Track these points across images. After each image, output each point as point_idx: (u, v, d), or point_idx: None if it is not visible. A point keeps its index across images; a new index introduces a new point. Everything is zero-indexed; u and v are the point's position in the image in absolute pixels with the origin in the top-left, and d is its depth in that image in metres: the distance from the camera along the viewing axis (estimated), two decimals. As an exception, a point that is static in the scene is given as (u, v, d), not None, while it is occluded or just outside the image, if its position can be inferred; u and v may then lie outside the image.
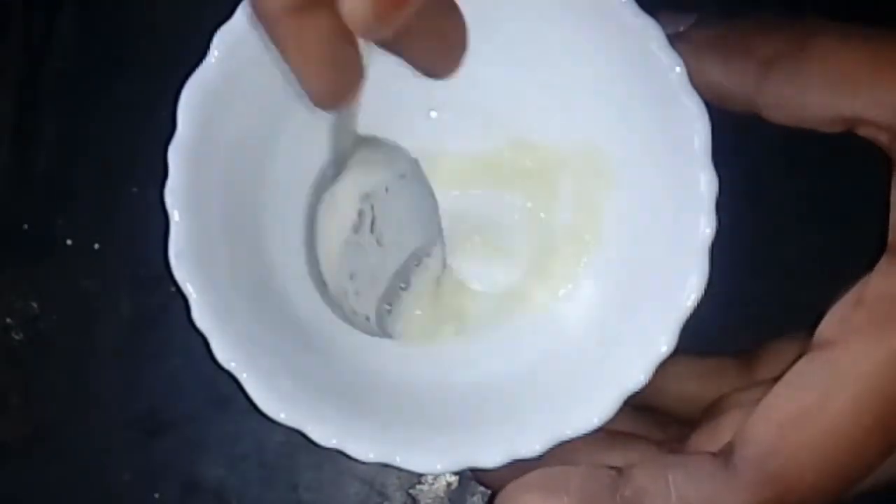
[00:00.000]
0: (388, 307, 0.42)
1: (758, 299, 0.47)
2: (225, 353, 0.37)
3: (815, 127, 0.37)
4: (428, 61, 0.34)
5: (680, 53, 0.37)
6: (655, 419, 0.41)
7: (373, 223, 0.40)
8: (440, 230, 0.42)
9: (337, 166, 0.39)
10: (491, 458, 0.37)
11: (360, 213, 0.40)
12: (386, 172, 0.40)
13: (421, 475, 0.48)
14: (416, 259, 0.42)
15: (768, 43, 0.37)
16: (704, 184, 0.37)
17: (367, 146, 0.39)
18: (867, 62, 0.36)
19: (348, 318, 0.41)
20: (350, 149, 0.39)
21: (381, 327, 0.41)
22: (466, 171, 0.43)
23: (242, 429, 0.48)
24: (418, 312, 0.42)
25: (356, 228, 0.40)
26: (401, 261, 0.41)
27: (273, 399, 0.38)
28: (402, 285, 0.42)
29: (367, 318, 0.41)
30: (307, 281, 0.41)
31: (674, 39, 0.37)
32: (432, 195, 0.42)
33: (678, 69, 0.37)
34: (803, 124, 0.37)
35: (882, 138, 0.36)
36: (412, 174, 0.41)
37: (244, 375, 0.38)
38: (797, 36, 0.37)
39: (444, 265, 0.42)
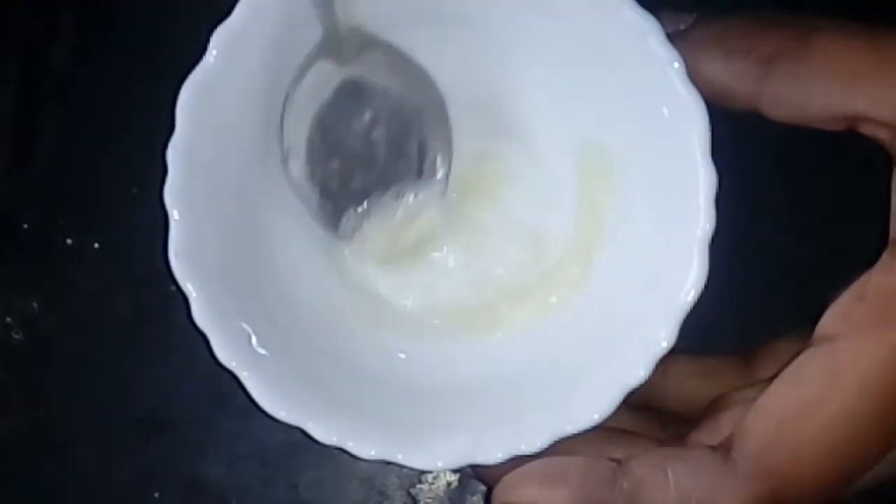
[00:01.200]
0: (356, 207, 0.42)
1: (757, 299, 0.47)
2: (225, 353, 0.37)
3: (816, 125, 0.37)
4: None
5: (680, 51, 0.37)
6: (655, 418, 0.41)
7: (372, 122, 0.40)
8: (448, 137, 0.42)
9: (330, 49, 0.39)
10: (492, 454, 0.37)
11: (357, 107, 0.40)
12: (392, 77, 0.41)
13: (421, 474, 0.48)
14: (414, 168, 0.42)
15: (769, 40, 0.37)
16: (703, 179, 0.37)
17: (368, 42, 0.40)
18: (869, 59, 0.35)
19: (295, 187, 0.41)
20: (344, 34, 0.39)
21: (330, 218, 0.42)
22: (465, 170, 0.43)
23: (242, 428, 0.48)
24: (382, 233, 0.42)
25: (348, 119, 0.40)
26: (385, 160, 0.42)
27: (274, 397, 0.37)
28: (384, 192, 0.42)
29: (318, 199, 0.41)
30: (308, 279, 0.42)
31: (674, 38, 0.37)
32: (441, 99, 0.41)
33: (676, 64, 0.37)
34: (805, 122, 0.37)
35: (883, 135, 0.36)
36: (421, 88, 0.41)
37: (245, 374, 0.37)
38: (798, 33, 0.37)
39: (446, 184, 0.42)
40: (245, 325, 0.38)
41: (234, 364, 0.37)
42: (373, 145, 0.41)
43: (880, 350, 0.34)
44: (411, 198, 0.42)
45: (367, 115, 0.41)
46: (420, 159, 0.42)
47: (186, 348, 0.47)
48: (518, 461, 0.37)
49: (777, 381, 0.35)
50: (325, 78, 0.40)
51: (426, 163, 0.42)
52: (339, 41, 0.39)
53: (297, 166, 0.41)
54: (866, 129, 0.36)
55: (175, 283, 0.38)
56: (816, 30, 0.36)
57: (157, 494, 0.48)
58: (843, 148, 0.37)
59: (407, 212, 0.42)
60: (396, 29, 0.40)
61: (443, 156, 0.42)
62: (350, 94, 0.40)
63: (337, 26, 0.38)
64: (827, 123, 0.36)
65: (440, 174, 0.42)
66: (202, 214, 0.38)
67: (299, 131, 0.40)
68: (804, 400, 0.34)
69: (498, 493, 0.38)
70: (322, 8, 0.38)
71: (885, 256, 0.35)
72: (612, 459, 0.37)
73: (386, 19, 0.39)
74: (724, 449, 0.35)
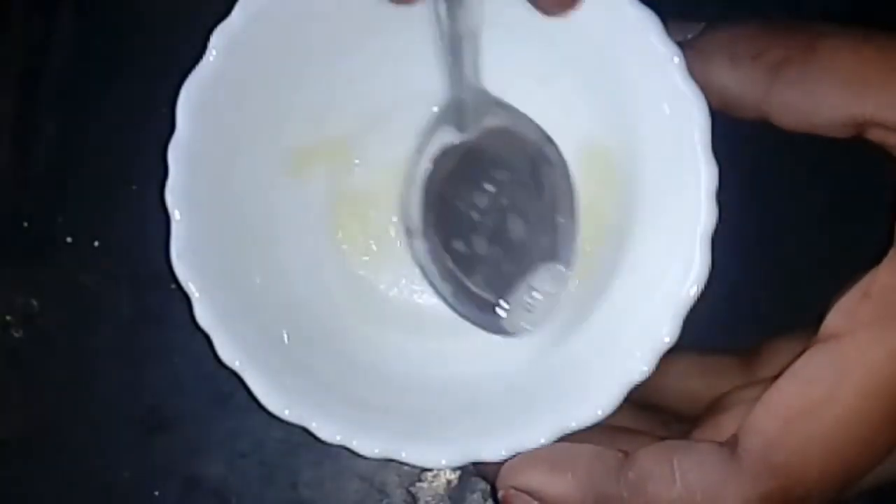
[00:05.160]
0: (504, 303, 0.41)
1: (759, 298, 0.47)
2: (228, 352, 0.38)
3: (825, 133, 0.37)
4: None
5: (688, 60, 0.37)
6: (657, 417, 0.41)
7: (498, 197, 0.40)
8: (572, 250, 0.41)
9: (456, 117, 0.39)
10: (495, 451, 0.37)
11: (482, 180, 0.40)
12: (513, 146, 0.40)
13: (421, 473, 0.48)
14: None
15: (776, 47, 0.37)
16: (704, 174, 0.37)
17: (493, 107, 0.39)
18: (877, 64, 0.35)
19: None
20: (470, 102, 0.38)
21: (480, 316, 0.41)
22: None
23: (242, 426, 0.48)
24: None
25: (473, 194, 0.40)
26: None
27: (277, 396, 0.38)
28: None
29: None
30: (310, 278, 0.42)
31: (682, 47, 0.37)
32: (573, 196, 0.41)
33: (676, 60, 0.37)
34: (813, 130, 0.37)
35: (892, 141, 0.36)
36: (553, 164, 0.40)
37: (247, 374, 0.38)
38: (806, 39, 0.37)
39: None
40: (247, 325, 0.38)
41: (236, 364, 0.37)
42: (497, 220, 0.41)
43: (886, 348, 0.34)
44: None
45: (490, 187, 0.40)
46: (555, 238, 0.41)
47: (186, 347, 0.47)
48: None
49: (783, 379, 0.35)
50: (445, 147, 0.40)
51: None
52: (463, 105, 0.39)
53: (419, 245, 0.41)
54: (874, 136, 0.36)
55: (176, 282, 0.38)
56: (823, 36, 0.36)
57: (157, 493, 0.48)
58: (845, 149, 0.37)
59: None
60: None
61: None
62: (471, 163, 0.40)
63: (464, 88, 0.38)
64: (835, 130, 0.36)
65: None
66: (203, 214, 0.38)
67: (421, 206, 0.40)
68: (810, 397, 0.35)
69: (503, 477, 0.38)
70: (453, 68, 0.38)
71: (891, 254, 0.35)
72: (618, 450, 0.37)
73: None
74: (731, 445, 0.35)
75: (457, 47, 0.37)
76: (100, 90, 0.49)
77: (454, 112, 0.39)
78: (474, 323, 0.41)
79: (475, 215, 0.40)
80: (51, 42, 0.49)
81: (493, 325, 0.41)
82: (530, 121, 0.40)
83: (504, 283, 0.41)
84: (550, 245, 0.41)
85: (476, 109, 0.39)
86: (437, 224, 0.40)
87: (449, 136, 0.40)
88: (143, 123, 0.45)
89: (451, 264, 0.41)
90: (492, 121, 0.40)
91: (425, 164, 0.40)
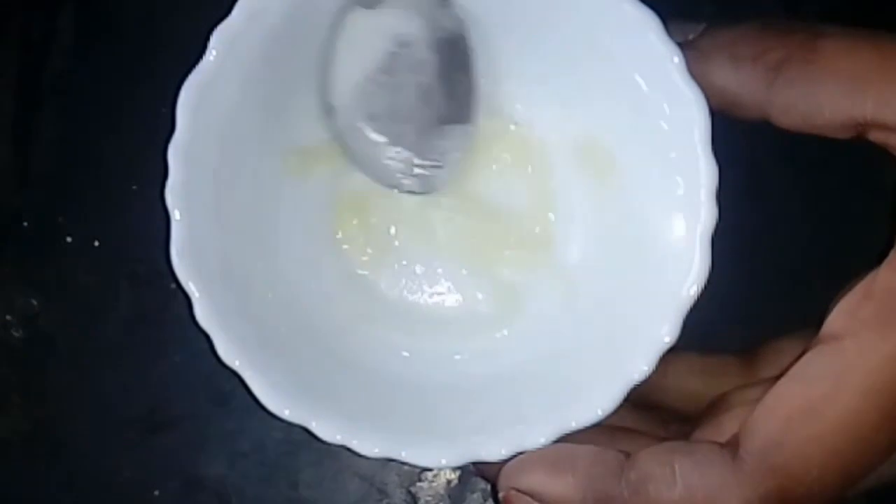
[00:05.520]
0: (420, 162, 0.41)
1: (759, 298, 0.47)
2: (228, 352, 0.37)
3: (825, 133, 0.37)
4: None
5: (689, 61, 0.37)
6: (657, 417, 0.41)
7: (406, 69, 0.40)
8: (472, 116, 0.42)
9: None
10: (495, 451, 0.37)
11: (392, 56, 0.40)
12: (429, 26, 0.40)
13: (421, 472, 0.48)
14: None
15: (777, 48, 0.37)
16: (704, 173, 0.37)
17: None
18: (877, 64, 0.35)
19: (356, 154, 0.41)
20: None
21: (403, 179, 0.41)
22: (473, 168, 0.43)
23: (242, 426, 0.48)
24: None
25: (385, 69, 0.40)
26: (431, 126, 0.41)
27: (277, 396, 0.37)
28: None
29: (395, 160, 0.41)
30: (310, 277, 0.42)
31: (682, 48, 0.37)
32: (472, 72, 0.41)
33: (676, 59, 0.37)
34: (814, 130, 0.37)
35: (892, 141, 0.36)
36: (455, 37, 0.41)
37: (248, 374, 0.37)
38: (806, 40, 0.37)
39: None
40: (247, 325, 0.38)
41: (237, 363, 0.37)
42: (410, 90, 0.41)
43: (887, 348, 0.34)
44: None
45: (404, 64, 0.40)
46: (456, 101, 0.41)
47: (186, 347, 0.47)
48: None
49: (784, 379, 0.35)
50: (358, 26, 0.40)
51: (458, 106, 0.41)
52: None
53: (344, 116, 0.40)
54: (875, 136, 0.36)
55: (176, 281, 0.38)
56: (824, 36, 0.36)
57: (157, 492, 0.48)
58: (845, 149, 0.37)
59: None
60: None
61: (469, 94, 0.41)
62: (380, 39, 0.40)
63: None
64: (836, 131, 0.36)
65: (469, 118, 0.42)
66: (203, 214, 0.38)
67: (343, 82, 0.40)
68: (811, 398, 0.35)
69: (504, 478, 0.38)
70: None
71: (892, 255, 0.35)
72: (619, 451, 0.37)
73: None
74: (731, 446, 0.35)
75: None
76: (100, 90, 0.49)
77: None
78: (394, 186, 0.42)
79: (388, 87, 0.40)
80: (51, 42, 0.49)
81: (413, 185, 0.41)
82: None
83: (419, 146, 0.41)
84: (456, 108, 0.41)
85: None
86: (354, 98, 0.40)
87: (359, 15, 0.39)
88: (143, 123, 0.45)
89: (371, 134, 0.40)
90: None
91: (340, 44, 0.40)
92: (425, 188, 0.42)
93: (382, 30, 0.39)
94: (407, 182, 0.41)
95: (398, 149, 0.41)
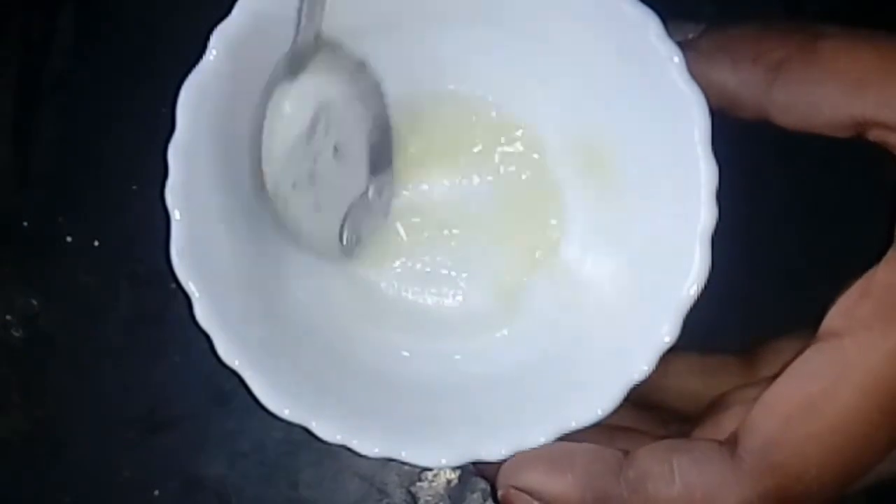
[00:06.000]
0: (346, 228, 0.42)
1: (759, 297, 0.47)
2: (228, 352, 0.37)
3: (825, 132, 0.37)
4: None
5: (689, 61, 0.37)
6: (657, 416, 0.41)
7: (327, 134, 0.40)
8: (390, 161, 0.42)
9: (293, 63, 0.39)
10: (495, 451, 0.37)
11: (314, 121, 0.40)
12: (346, 86, 0.40)
13: (421, 472, 0.48)
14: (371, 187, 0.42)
15: (777, 47, 0.37)
16: (704, 173, 0.37)
17: (331, 52, 0.39)
18: (876, 64, 0.36)
19: (283, 225, 0.41)
20: (311, 47, 0.38)
21: (331, 245, 0.42)
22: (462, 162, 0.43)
23: (242, 426, 0.48)
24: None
25: (308, 137, 0.40)
26: (360, 186, 0.42)
27: (277, 396, 0.37)
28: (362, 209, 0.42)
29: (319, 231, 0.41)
30: (310, 277, 0.42)
31: (682, 47, 0.37)
32: (388, 122, 0.41)
33: (676, 59, 0.37)
34: (814, 129, 0.37)
35: (892, 141, 0.36)
36: (371, 95, 0.41)
37: (248, 373, 0.37)
38: (805, 40, 0.37)
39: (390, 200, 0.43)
40: (247, 325, 0.38)
41: (237, 363, 0.37)
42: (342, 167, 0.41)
43: (886, 346, 0.34)
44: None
45: (322, 128, 0.40)
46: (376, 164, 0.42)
47: (186, 347, 0.47)
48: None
49: (783, 378, 0.35)
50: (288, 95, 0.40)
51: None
52: (301, 52, 0.39)
53: (272, 184, 0.40)
54: (874, 135, 0.36)
55: (176, 281, 0.38)
56: (823, 36, 0.36)
57: (157, 492, 0.48)
58: (845, 148, 0.37)
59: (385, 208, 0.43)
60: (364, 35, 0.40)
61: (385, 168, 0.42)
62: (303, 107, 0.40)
63: (317, 36, 0.38)
64: (835, 130, 0.36)
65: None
66: (203, 214, 0.38)
67: (269, 150, 0.40)
68: (810, 396, 0.35)
69: (503, 476, 0.38)
70: (304, 20, 0.38)
71: (890, 253, 0.35)
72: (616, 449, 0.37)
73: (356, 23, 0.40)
74: (730, 444, 0.35)
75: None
76: (100, 90, 0.49)
77: (290, 59, 0.39)
78: (324, 255, 0.42)
79: (309, 153, 0.40)
80: (51, 42, 0.49)
81: (342, 252, 0.42)
82: (357, 59, 0.40)
83: (342, 211, 0.41)
84: (374, 163, 0.42)
85: (305, 54, 0.39)
86: (280, 166, 0.40)
87: (286, 84, 0.39)
88: (143, 123, 0.45)
89: (294, 201, 0.40)
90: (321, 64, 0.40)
91: (269, 113, 0.40)
92: (349, 254, 0.42)
93: (304, 97, 0.39)
94: (330, 250, 0.42)
95: (322, 215, 0.41)
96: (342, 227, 0.41)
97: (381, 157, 0.42)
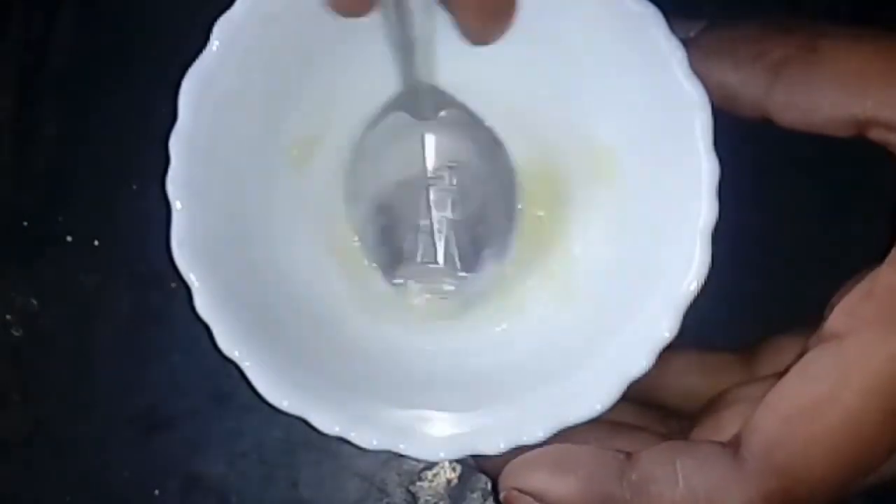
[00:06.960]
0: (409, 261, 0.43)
1: (759, 294, 0.47)
2: (227, 343, 0.37)
3: (826, 131, 0.37)
4: (475, 20, 0.36)
5: (690, 58, 0.37)
6: (657, 414, 0.41)
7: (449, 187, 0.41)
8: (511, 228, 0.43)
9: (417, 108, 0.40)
10: (494, 445, 0.37)
11: (436, 172, 0.41)
12: (470, 146, 0.42)
13: (421, 472, 0.48)
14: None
15: (778, 46, 0.37)
16: (706, 169, 0.37)
17: (455, 108, 0.41)
18: (877, 63, 0.36)
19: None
20: (433, 102, 0.40)
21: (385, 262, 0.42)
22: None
23: (243, 425, 0.48)
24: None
25: (424, 185, 0.41)
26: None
27: (276, 387, 0.37)
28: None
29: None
30: (310, 269, 0.42)
31: (684, 44, 0.37)
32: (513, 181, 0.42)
33: (679, 55, 0.37)
34: (815, 129, 0.37)
35: (892, 140, 0.36)
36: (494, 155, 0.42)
37: (247, 364, 0.37)
38: (807, 39, 0.37)
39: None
40: (247, 315, 0.38)
41: (236, 354, 0.37)
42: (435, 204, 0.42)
43: (889, 347, 0.34)
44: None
45: (436, 171, 0.42)
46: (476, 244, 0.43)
47: (186, 346, 0.47)
48: (520, 451, 0.37)
49: (785, 379, 0.35)
50: (401, 127, 0.41)
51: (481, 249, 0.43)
52: (417, 97, 0.39)
53: (363, 207, 0.42)
54: (875, 135, 0.36)
55: (176, 278, 0.38)
56: (824, 35, 0.37)
57: (157, 492, 0.48)
58: (846, 147, 0.37)
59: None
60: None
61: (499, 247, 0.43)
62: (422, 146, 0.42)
63: (416, 83, 0.39)
64: (836, 129, 0.36)
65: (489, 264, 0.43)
66: (204, 204, 0.38)
67: (367, 174, 0.41)
68: (813, 397, 0.34)
69: (505, 477, 0.37)
70: (402, 65, 0.38)
71: (893, 253, 0.35)
72: (619, 451, 0.37)
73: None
74: (733, 446, 0.35)
75: (409, 48, 0.38)
76: (100, 90, 0.49)
77: (409, 101, 0.40)
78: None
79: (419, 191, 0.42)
80: (51, 42, 0.49)
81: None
82: (481, 121, 0.41)
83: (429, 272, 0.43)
84: (484, 234, 0.42)
85: (430, 104, 0.40)
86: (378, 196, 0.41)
87: (402, 120, 0.40)
88: (143, 123, 0.45)
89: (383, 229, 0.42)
90: (446, 115, 0.41)
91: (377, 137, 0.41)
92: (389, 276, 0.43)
93: (431, 144, 0.41)
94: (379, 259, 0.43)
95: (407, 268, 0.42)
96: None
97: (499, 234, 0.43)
